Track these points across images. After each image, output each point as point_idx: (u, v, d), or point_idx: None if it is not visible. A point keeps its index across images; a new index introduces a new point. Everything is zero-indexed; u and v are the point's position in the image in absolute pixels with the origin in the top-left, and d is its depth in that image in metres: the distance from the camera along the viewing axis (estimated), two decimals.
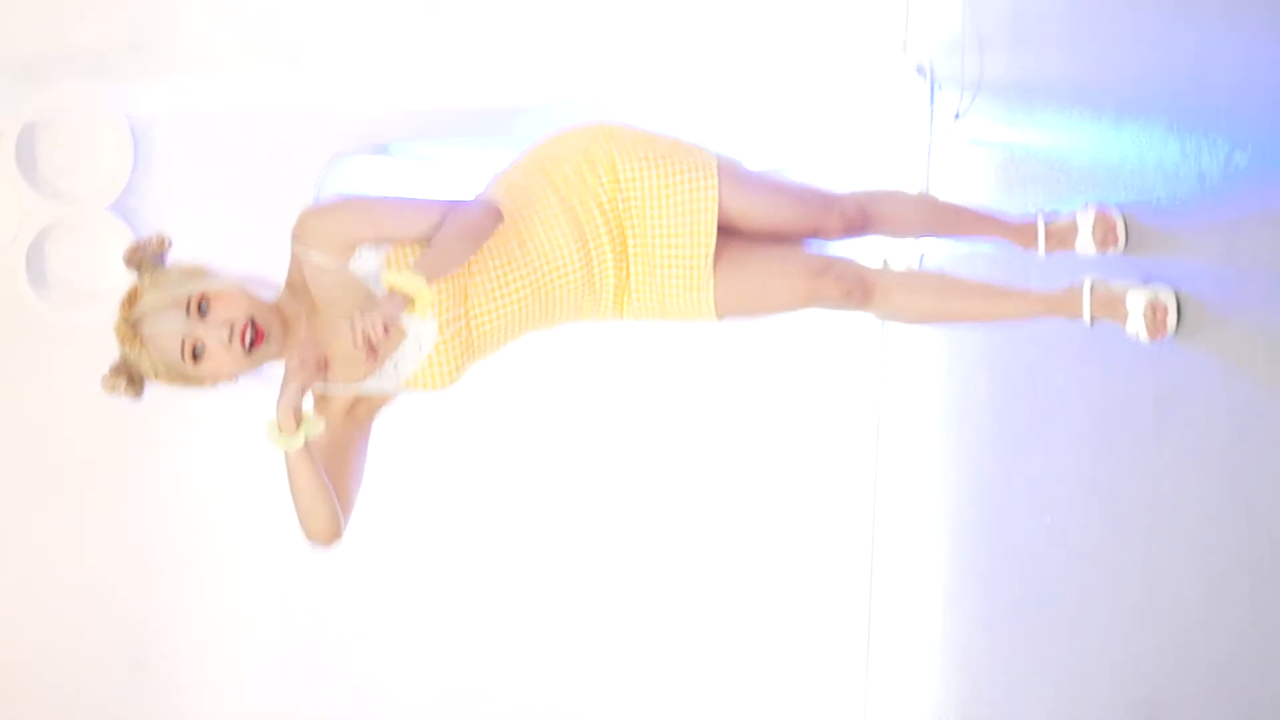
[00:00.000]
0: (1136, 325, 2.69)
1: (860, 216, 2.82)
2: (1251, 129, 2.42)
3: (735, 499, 4.95)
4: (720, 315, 2.75)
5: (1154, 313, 2.68)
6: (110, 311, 2.42)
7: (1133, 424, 2.91)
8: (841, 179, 4.40)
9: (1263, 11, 2.38)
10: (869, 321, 3.63)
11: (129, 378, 2.44)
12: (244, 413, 2.64)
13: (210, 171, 4.31)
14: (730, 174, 2.76)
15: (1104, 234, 2.85)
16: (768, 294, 2.77)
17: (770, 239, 2.80)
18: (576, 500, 4.83)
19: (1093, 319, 2.77)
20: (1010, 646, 3.80)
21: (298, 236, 2.52)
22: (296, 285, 2.53)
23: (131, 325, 2.39)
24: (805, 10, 4.48)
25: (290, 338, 2.48)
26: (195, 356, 2.38)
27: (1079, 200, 3.08)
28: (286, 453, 2.44)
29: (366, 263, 2.50)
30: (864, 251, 2.91)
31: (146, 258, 2.46)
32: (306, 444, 2.44)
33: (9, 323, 4.25)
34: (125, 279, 2.44)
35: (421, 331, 2.53)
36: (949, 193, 4.13)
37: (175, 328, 2.37)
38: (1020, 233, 2.97)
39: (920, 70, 4.46)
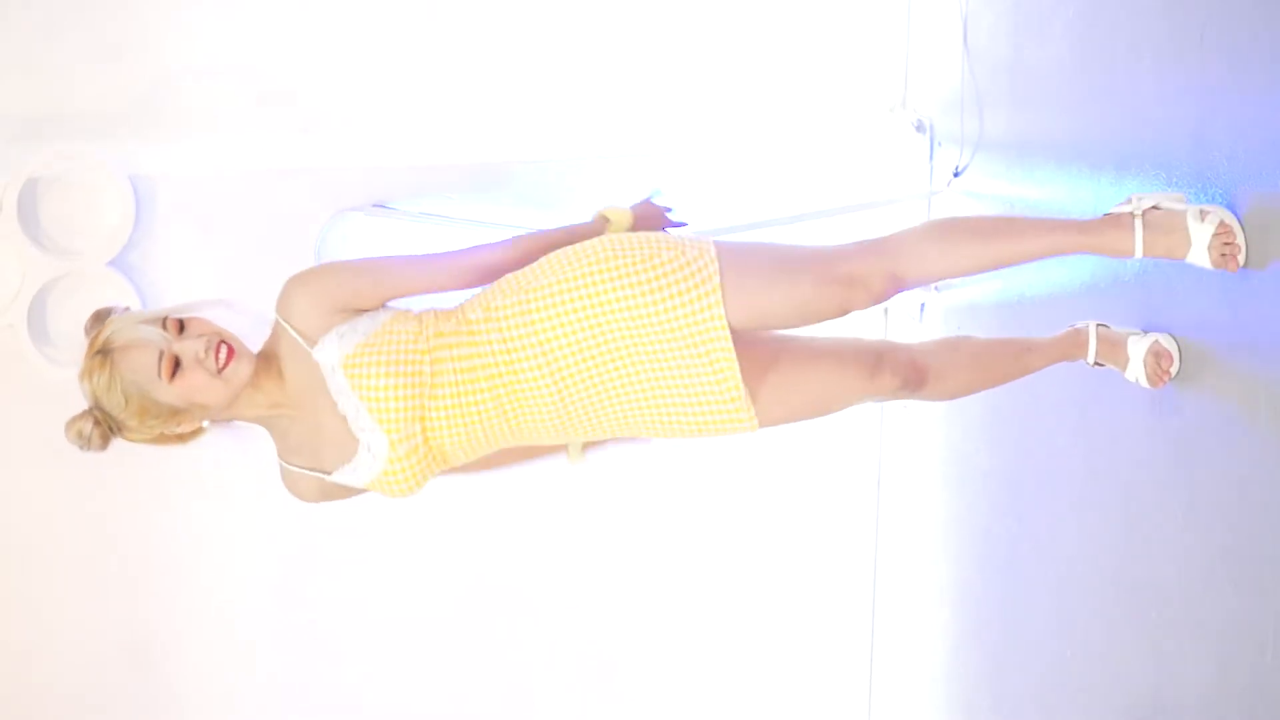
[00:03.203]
0: (1137, 371, 2.74)
1: (894, 281, 2.54)
2: (1249, 183, 2.43)
3: (737, 559, 4.93)
4: (762, 426, 2.54)
5: (1156, 360, 2.71)
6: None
7: (1135, 482, 2.91)
8: (842, 233, 4.44)
9: (1260, 68, 2.39)
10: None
11: (96, 421, 2.39)
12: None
13: (210, 229, 4.32)
14: (735, 271, 2.46)
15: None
16: (819, 399, 2.61)
17: (802, 334, 2.64)
18: (578, 507, 4.80)
19: (1096, 362, 2.83)
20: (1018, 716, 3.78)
21: (281, 302, 2.49)
22: (270, 359, 2.49)
23: (102, 351, 2.36)
24: (804, 66, 4.52)
25: (258, 395, 2.47)
26: (173, 372, 2.35)
27: (1091, 260, 3.07)
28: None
29: (330, 352, 2.44)
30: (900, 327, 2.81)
31: (105, 314, 2.46)
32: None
33: (11, 377, 4.26)
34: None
35: (374, 443, 2.45)
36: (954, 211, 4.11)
37: (152, 340, 2.35)
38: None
39: (919, 126, 4.48)
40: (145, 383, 2.36)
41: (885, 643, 4.96)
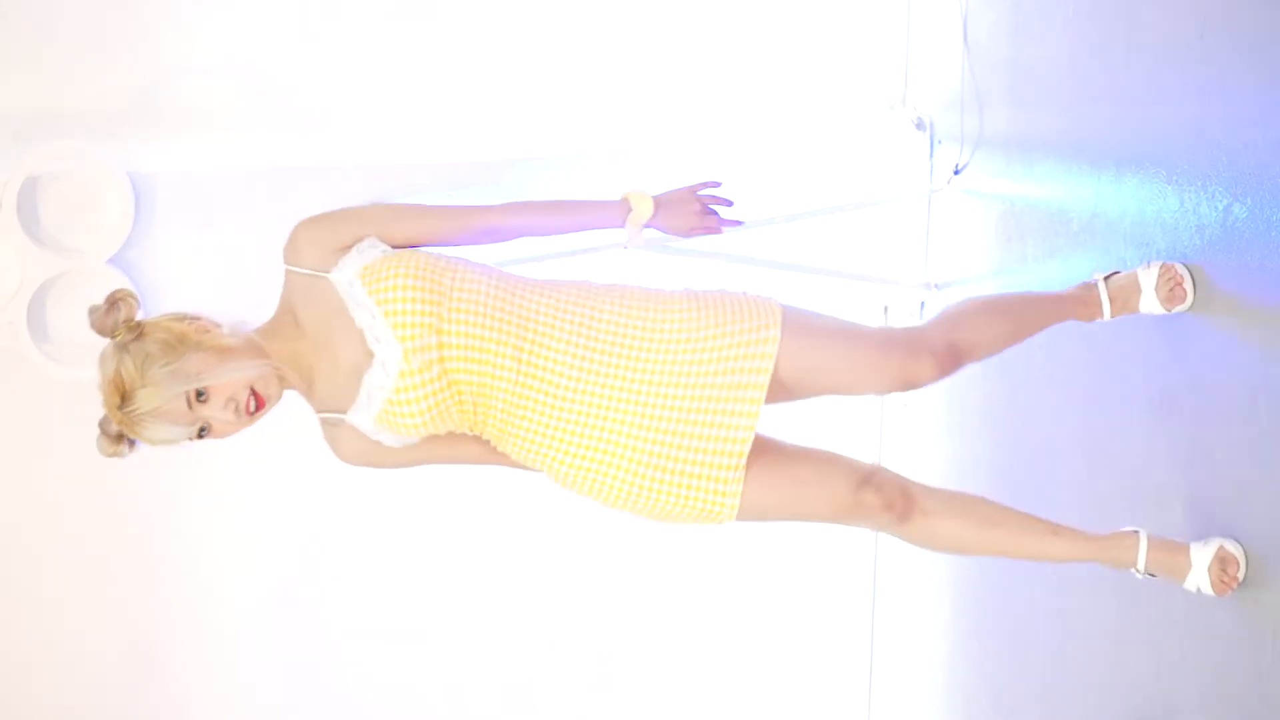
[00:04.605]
0: (1199, 580, 2.51)
1: (952, 354, 2.52)
2: (1250, 181, 2.42)
3: (737, 558, 4.91)
4: (736, 519, 2.48)
5: (1222, 568, 2.48)
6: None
7: (1135, 481, 2.90)
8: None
9: (1261, 65, 2.39)
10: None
11: (129, 441, 2.43)
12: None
13: (211, 226, 4.32)
14: (798, 319, 2.47)
15: (1170, 289, 2.67)
16: (799, 501, 2.52)
17: (804, 448, 2.56)
18: (578, 507, 4.75)
19: (1148, 573, 2.59)
20: None
21: (288, 248, 2.49)
22: (283, 318, 2.49)
23: (131, 419, 2.36)
24: (804, 63, 4.51)
25: (286, 383, 2.47)
26: (201, 435, 2.39)
27: (1091, 258, 3.08)
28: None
29: (346, 270, 2.42)
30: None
31: (119, 325, 2.41)
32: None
33: (10, 375, 4.25)
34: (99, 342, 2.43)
35: (388, 357, 2.39)
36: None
37: (180, 425, 2.36)
38: (1082, 302, 2.77)
39: (919, 124, 4.47)
40: (176, 441, 2.40)
41: (885, 643, 4.95)
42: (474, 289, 2.42)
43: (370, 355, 2.41)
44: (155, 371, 2.34)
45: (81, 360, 4.13)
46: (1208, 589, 2.47)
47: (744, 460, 2.43)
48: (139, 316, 2.45)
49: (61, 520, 4.44)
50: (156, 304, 4.11)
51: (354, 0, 4.35)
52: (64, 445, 4.30)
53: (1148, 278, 2.70)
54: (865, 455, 2.64)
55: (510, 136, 4.42)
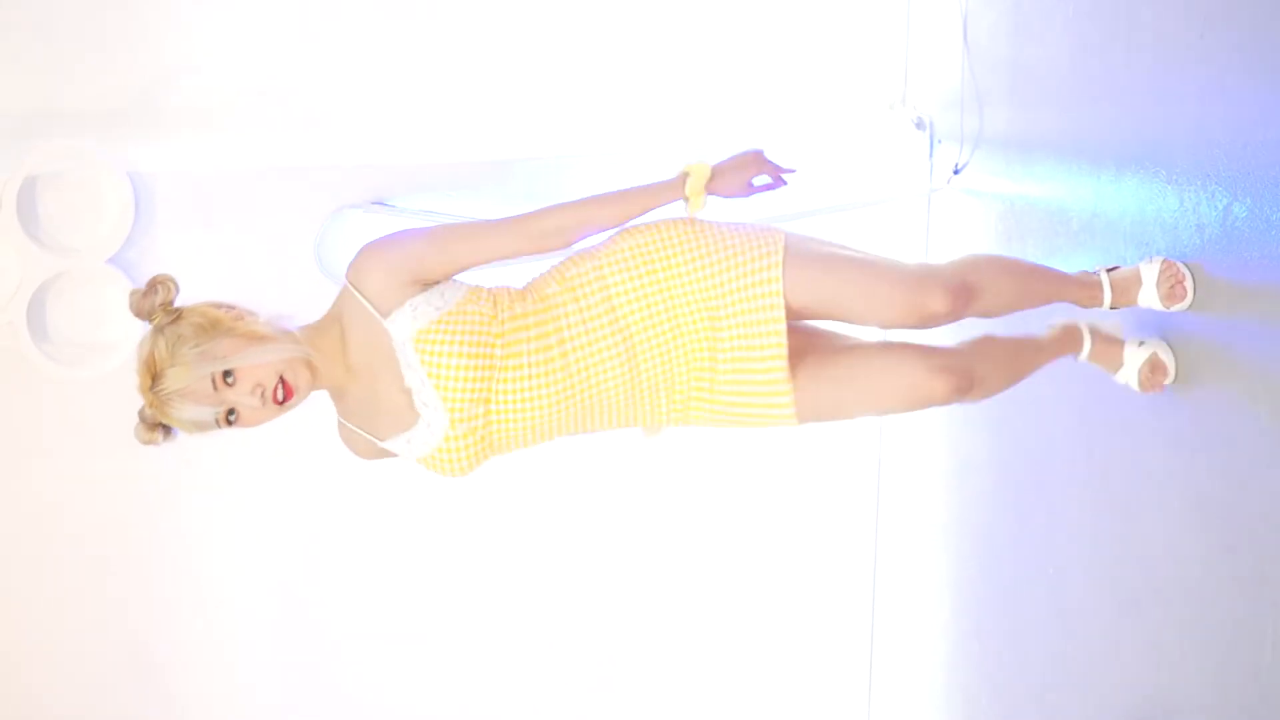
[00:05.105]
0: (1129, 376, 2.78)
1: (964, 290, 2.56)
2: (1250, 180, 2.42)
3: (737, 558, 4.92)
4: (801, 421, 2.54)
5: (1152, 371, 2.74)
6: (109, 365, 2.42)
7: (1135, 481, 2.90)
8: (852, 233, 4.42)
9: (1261, 65, 2.39)
10: None
11: (164, 428, 2.43)
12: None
13: (210, 226, 4.32)
14: (799, 256, 2.52)
15: (1170, 287, 2.70)
16: (866, 397, 2.57)
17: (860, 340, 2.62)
18: (578, 505, 4.79)
19: (1090, 358, 2.86)
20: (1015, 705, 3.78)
21: (354, 269, 2.47)
22: (330, 327, 2.49)
23: (160, 399, 2.37)
24: (804, 63, 4.51)
25: (319, 379, 2.47)
26: (229, 421, 2.39)
27: (1091, 257, 3.08)
28: None
29: (401, 326, 2.44)
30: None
31: (156, 308, 2.43)
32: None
33: (10, 375, 4.25)
34: (127, 330, 2.43)
35: (434, 420, 2.47)
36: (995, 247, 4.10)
37: (205, 405, 2.36)
38: (1085, 286, 2.83)
39: (919, 124, 4.47)
40: (205, 425, 2.40)
41: (885, 642, 4.96)
42: (517, 350, 2.47)
43: (415, 412, 2.48)
44: (185, 352, 2.36)
45: (81, 360, 4.13)
46: (1135, 387, 2.76)
47: (785, 378, 2.49)
48: (177, 302, 2.46)
49: (61, 520, 4.44)
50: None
51: (354, 0, 4.34)
52: (64, 445, 4.31)
53: (1149, 272, 2.74)
54: (924, 337, 2.63)
55: (512, 136, 4.42)
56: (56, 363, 4.13)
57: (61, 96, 4.20)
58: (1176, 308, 2.69)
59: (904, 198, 4.49)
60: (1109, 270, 2.85)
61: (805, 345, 2.59)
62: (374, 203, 4.39)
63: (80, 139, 4.14)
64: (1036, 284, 2.80)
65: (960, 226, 4.26)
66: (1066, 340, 2.89)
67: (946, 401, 2.58)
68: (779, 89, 4.51)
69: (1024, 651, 3.64)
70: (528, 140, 4.42)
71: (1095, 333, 2.88)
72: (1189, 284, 2.67)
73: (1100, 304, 2.82)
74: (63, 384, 4.11)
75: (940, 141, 4.40)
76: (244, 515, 4.55)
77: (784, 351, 2.48)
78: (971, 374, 2.60)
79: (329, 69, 4.36)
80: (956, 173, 4.22)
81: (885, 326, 2.60)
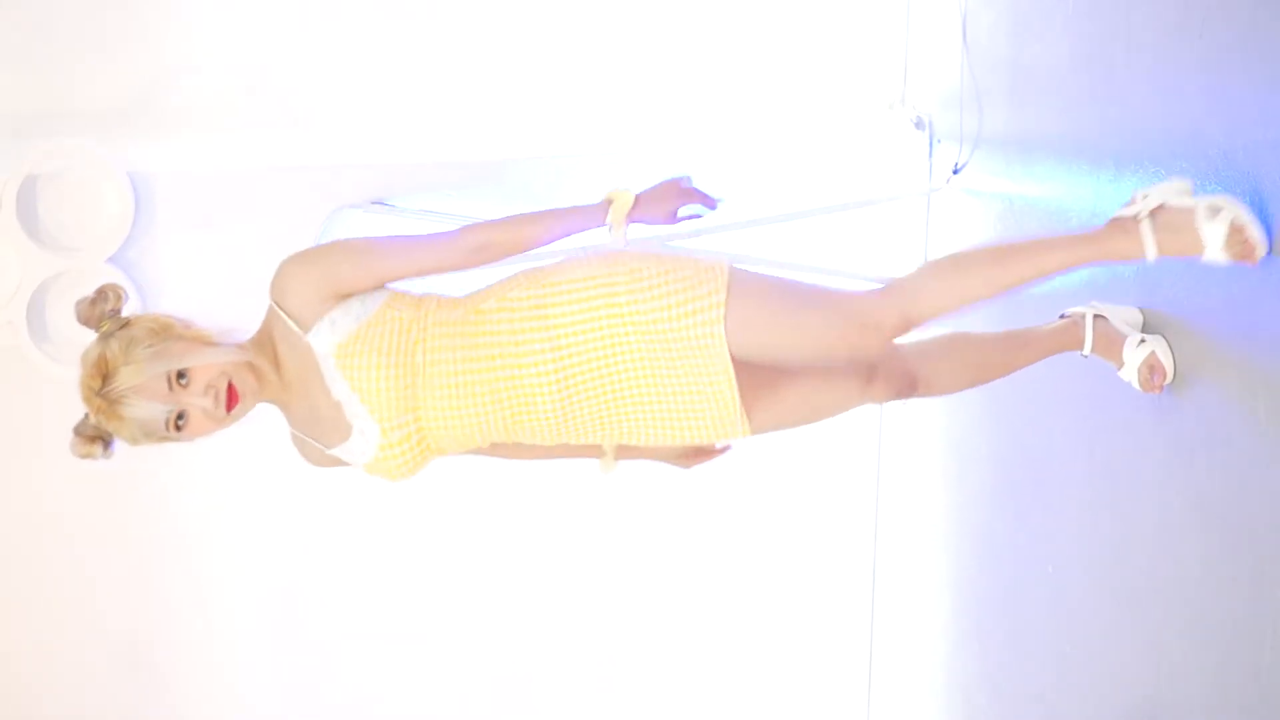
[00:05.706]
0: (1130, 375, 2.76)
1: (905, 322, 2.48)
2: (1250, 181, 2.42)
3: (737, 558, 4.93)
4: (754, 434, 2.58)
5: (1150, 371, 2.73)
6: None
7: (1133, 476, 2.90)
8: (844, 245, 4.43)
9: (1261, 65, 2.39)
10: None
11: (103, 441, 2.42)
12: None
13: (209, 225, 4.32)
14: (742, 296, 2.44)
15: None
16: (812, 407, 2.64)
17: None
18: (578, 506, 4.79)
19: (1093, 350, 2.84)
20: (1013, 701, 3.78)
21: (275, 285, 2.46)
22: (264, 343, 2.48)
23: (109, 401, 2.36)
24: (803, 62, 4.51)
25: (264, 389, 2.47)
26: (178, 426, 2.38)
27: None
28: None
29: (322, 340, 2.43)
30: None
31: (105, 315, 2.44)
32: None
33: (9, 374, 4.26)
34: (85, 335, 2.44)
35: (366, 429, 2.46)
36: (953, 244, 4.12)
37: (158, 404, 2.35)
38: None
39: (919, 123, 4.47)
40: (155, 433, 2.38)
41: (885, 642, 4.96)
42: (444, 358, 2.44)
43: (348, 422, 2.48)
44: (139, 351, 2.37)
45: (79, 359, 4.14)
46: (1137, 386, 2.75)
47: (737, 407, 2.49)
48: (125, 313, 2.46)
49: (60, 520, 4.44)
50: (156, 303, 4.12)
51: (354, 0, 4.35)
52: (63, 445, 4.30)
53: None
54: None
55: (511, 136, 4.42)
56: (56, 362, 4.13)
57: (61, 96, 4.21)
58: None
59: (904, 197, 4.48)
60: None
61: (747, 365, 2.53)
62: (374, 203, 4.40)
63: (80, 139, 4.15)
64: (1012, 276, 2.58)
65: (960, 226, 4.26)
66: (1067, 336, 2.88)
67: (884, 401, 2.71)
68: (779, 89, 4.51)
69: (1024, 651, 3.64)
70: (526, 140, 4.42)
71: (1097, 331, 2.86)
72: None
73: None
74: (63, 384, 4.11)
75: (940, 141, 4.40)
76: (242, 516, 4.56)
77: (733, 386, 2.46)
78: (913, 377, 2.69)
79: (329, 69, 4.36)
80: (956, 172, 4.22)
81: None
